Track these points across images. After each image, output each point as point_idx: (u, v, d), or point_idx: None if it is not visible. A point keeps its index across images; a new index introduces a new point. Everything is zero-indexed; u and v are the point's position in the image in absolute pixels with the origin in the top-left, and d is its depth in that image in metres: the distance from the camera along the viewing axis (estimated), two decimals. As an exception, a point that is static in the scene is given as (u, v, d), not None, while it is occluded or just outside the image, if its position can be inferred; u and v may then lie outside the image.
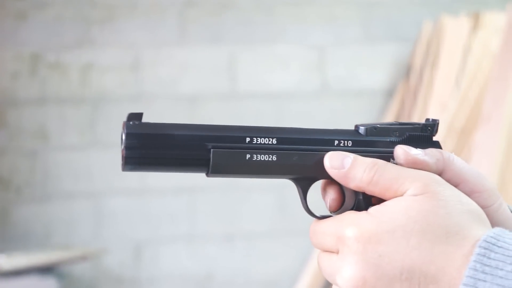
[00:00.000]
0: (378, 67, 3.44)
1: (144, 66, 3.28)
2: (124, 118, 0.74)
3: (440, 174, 0.74)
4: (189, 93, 3.27)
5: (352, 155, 0.75)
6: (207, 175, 0.77)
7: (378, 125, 0.80)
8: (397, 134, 0.79)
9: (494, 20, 3.05)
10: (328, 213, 0.79)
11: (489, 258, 0.65)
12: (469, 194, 0.73)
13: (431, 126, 0.80)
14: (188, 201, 3.30)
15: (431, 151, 0.76)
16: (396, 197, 0.71)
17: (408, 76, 3.36)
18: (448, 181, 0.73)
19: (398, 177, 0.72)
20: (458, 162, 0.76)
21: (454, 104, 2.92)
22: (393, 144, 0.78)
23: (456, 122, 2.81)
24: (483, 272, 0.64)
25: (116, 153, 3.40)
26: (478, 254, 0.65)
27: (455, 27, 3.16)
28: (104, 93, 3.24)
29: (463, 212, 0.70)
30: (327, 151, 0.77)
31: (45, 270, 2.84)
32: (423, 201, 0.70)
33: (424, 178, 0.72)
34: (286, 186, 3.33)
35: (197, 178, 3.28)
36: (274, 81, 3.36)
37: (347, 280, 0.70)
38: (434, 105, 3.01)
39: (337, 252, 0.72)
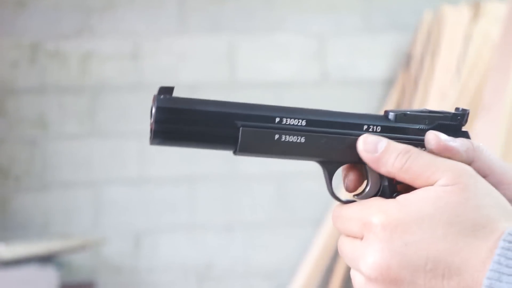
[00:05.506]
0: (378, 56, 3.43)
1: (144, 55, 3.27)
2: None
3: (469, 164, 0.74)
4: (188, 82, 3.27)
5: (386, 140, 0.75)
6: (235, 153, 0.76)
7: (408, 112, 0.79)
8: (427, 122, 0.79)
9: (494, 9, 3.04)
10: (351, 198, 0.79)
11: None
12: (496, 185, 0.73)
13: (461, 116, 0.80)
14: (188, 191, 3.30)
15: (462, 140, 0.75)
16: (426, 185, 0.71)
17: (409, 65, 3.36)
18: (477, 171, 0.73)
19: (430, 166, 0.71)
20: (487, 153, 0.75)
21: (455, 93, 2.92)
22: (423, 131, 0.77)
23: (456, 111, 2.81)
24: (507, 266, 0.64)
25: (116, 142, 3.41)
26: (502, 247, 0.65)
27: (456, 16, 3.16)
28: (103, 82, 3.24)
29: (492, 206, 0.69)
30: (356, 135, 0.76)
31: (45, 259, 2.84)
32: (453, 192, 0.69)
33: (456, 169, 0.71)
34: (285, 176, 3.34)
35: (197, 167, 3.28)
36: (274, 70, 3.36)
37: (371, 266, 0.69)
38: (435, 94, 3.01)
39: (361, 238, 0.72)
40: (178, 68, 3.28)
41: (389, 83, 3.42)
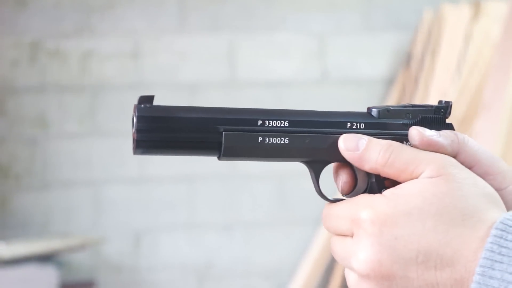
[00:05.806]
0: (378, 55, 3.43)
1: (144, 54, 3.27)
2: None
3: (454, 156, 0.74)
4: (189, 81, 3.27)
5: (366, 137, 0.75)
6: (219, 158, 0.76)
7: (391, 107, 0.79)
8: (410, 116, 0.79)
9: (495, 8, 3.04)
10: (341, 197, 0.78)
11: (506, 240, 0.65)
12: (483, 176, 0.73)
13: (444, 108, 0.80)
14: (187, 190, 3.30)
15: (446, 132, 0.75)
16: (411, 179, 0.71)
17: (409, 64, 3.36)
18: (462, 163, 0.73)
19: (413, 159, 0.71)
20: (472, 144, 0.75)
21: (455, 92, 2.91)
22: (406, 126, 0.77)
23: (456, 110, 2.81)
24: (499, 253, 0.64)
25: (116, 141, 3.41)
26: (495, 235, 0.65)
27: (456, 15, 3.16)
28: (104, 81, 3.23)
29: (479, 195, 0.69)
30: (340, 133, 0.76)
31: (45, 258, 2.84)
32: (438, 183, 0.69)
33: (439, 160, 0.71)
34: (285, 175, 3.34)
35: (197, 167, 3.27)
36: (274, 69, 3.35)
37: (363, 262, 0.69)
38: (435, 93, 3.00)
39: (352, 236, 0.71)
40: (178, 67, 3.28)
41: (390, 82, 3.42)
